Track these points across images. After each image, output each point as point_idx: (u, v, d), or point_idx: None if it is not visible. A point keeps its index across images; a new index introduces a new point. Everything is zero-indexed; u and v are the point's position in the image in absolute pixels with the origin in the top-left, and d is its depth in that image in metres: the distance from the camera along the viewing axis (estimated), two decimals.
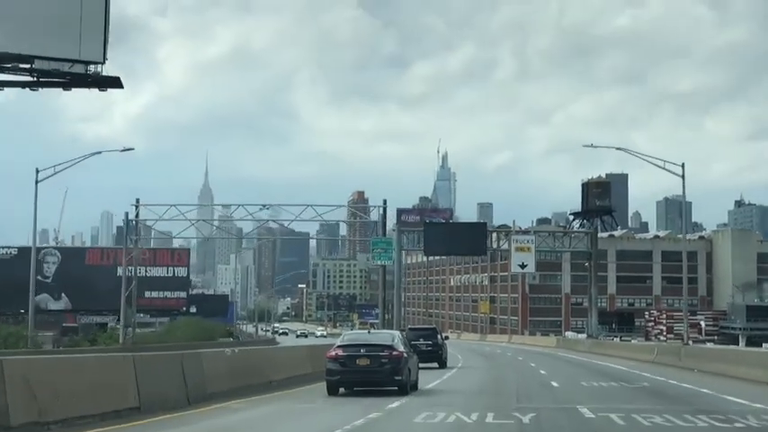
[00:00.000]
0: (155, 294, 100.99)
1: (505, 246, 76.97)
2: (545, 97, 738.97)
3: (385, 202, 64.49)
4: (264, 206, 63.24)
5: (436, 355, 42.95)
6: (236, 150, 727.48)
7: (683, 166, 48.40)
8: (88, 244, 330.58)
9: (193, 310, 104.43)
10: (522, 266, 75.79)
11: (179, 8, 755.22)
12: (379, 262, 63.85)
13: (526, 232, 76.28)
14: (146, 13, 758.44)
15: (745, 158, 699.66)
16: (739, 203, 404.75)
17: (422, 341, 41.89)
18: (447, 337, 50.52)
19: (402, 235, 78.19)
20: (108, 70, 25.11)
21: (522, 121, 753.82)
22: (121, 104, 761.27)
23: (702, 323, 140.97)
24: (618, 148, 48.85)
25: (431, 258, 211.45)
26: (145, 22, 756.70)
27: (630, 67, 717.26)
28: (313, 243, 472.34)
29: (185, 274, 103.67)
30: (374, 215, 65.33)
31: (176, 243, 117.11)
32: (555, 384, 31.95)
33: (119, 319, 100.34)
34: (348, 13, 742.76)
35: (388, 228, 77.70)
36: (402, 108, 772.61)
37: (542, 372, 41.87)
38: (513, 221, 77.20)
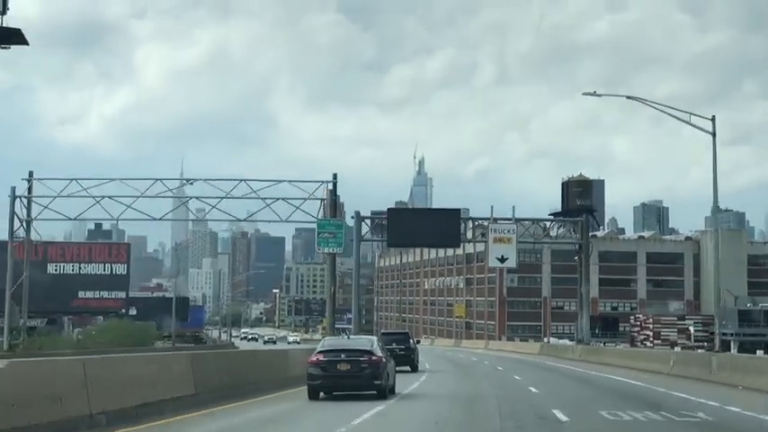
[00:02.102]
0: (89, 294, 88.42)
1: (483, 238, 64.82)
2: (524, 102, 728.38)
3: (335, 176, 51.68)
4: (188, 181, 51.00)
5: (409, 359, 43.38)
6: (213, 154, 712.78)
7: (713, 119, 36.32)
8: None
9: (133, 312, 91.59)
10: (502, 260, 63.66)
11: (158, 11, 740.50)
12: (325, 249, 51.07)
13: (507, 220, 64.10)
14: (125, 15, 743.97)
15: (722, 164, 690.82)
16: (717, 209, 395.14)
17: (395, 345, 41.34)
18: (419, 342, 52.46)
19: (363, 224, 65.91)
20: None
21: (500, 126, 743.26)
22: (98, 107, 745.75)
23: (691, 328, 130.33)
24: (629, 97, 36.94)
25: (404, 261, 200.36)
26: (123, 25, 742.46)
27: (610, 72, 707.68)
28: (289, 248, 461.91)
29: (125, 272, 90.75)
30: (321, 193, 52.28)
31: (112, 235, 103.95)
32: (560, 416, 19.86)
33: (48, 321, 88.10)
34: (327, 17, 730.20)
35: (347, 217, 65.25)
36: (380, 113, 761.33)
37: (533, 390, 29.81)
38: (492, 208, 64.71)
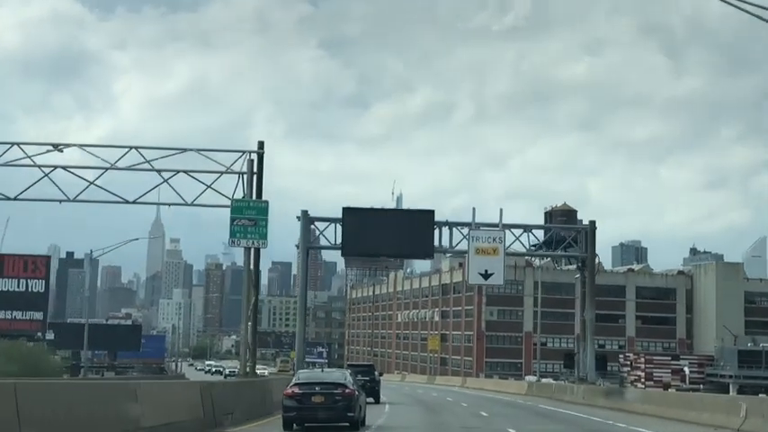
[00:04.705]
0: (0, 314, 73.27)
1: (462, 246, 50.24)
2: (503, 141, 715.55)
3: (261, 145, 36.12)
4: (56, 147, 36.33)
5: (373, 391, 43.36)
6: (189, 185, 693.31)
7: None
8: None
9: (50, 336, 76.38)
10: (486, 276, 49.35)
11: (138, 43, 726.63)
12: (242, 242, 35.81)
13: (493, 227, 49.80)
14: (105, 46, 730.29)
15: (699, 208, 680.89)
16: (694, 251, 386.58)
17: (360, 377, 38.38)
18: (381, 374, 55.13)
19: (313, 228, 51.56)
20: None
21: (478, 165, 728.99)
22: (75, 136, 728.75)
23: (686, 369, 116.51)
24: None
25: (377, 292, 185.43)
26: (104, 56, 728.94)
27: (587, 114, 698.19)
28: (265, 281, 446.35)
29: (42, 289, 75.35)
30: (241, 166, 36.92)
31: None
32: None
33: None
34: (308, 53, 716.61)
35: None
36: (359, 148, 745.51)
37: None
38: (474, 210, 50.46)
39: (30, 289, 74.00)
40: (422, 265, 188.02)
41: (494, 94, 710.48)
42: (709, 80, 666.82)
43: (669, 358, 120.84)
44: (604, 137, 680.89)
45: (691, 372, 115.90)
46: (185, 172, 36.54)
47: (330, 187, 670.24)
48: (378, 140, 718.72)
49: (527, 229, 52.03)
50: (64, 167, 36.86)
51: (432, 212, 49.66)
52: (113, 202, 37.23)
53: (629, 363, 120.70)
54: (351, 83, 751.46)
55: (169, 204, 36.94)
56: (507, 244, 50.70)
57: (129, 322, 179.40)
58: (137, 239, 66.09)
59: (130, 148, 36.98)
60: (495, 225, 50.20)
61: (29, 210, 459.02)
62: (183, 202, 36.63)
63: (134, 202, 37.22)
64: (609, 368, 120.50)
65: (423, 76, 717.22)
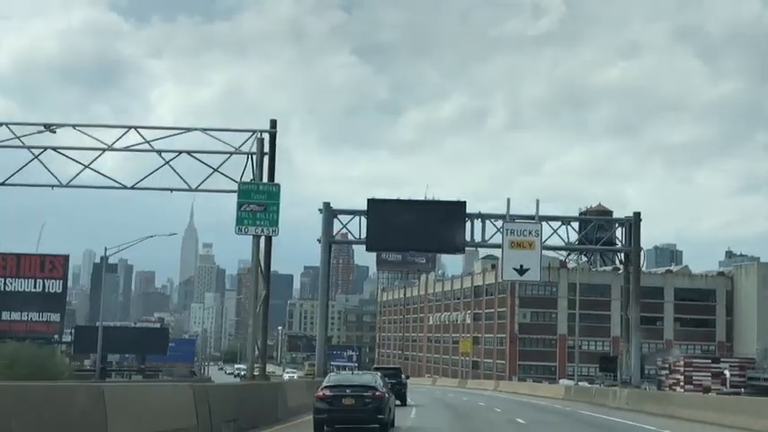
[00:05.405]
0: (16, 316, 70.23)
1: (496, 239, 46.50)
2: (536, 147, 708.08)
3: (273, 123, 32.81)
4: (47, 127, 32.95)
5: (400, 394, 43.57)
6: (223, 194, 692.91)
7: None
8: (69, 281, 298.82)
9: (68, 338, 73.25)
10: (521, 271, 45.58)
11: (174, 51, 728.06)
12: (251, 230, 31.73)
13: (528, 219, 46.04)
14: (141, 55, 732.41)
15: (734, 212, 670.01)
16: (730, 254, 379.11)
17: (387, 380, 34.43)
18: (408, 377, 54.69)
19: (345, 232, 47.96)
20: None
21: (512, 171, 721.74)
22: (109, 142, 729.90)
23: (727, 372, 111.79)
24: None
25: (408, 295, 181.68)
26: (140, 65, 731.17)
27: (622, 119, 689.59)
28: (297, 285, 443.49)
29: (60, 289, 72.19)
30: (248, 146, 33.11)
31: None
32: None
33: None
34: (341, 59, 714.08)
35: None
36: (392, 154, 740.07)
37: None
38: (508, 200, 46.68)
39: (47, 289, 71.00)
40: (453, 268, 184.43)
41: (528, 100, 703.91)
42: (746, 85, 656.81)
43: (709, 361, 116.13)
44: (639, 141, 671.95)
45: (732, 375, 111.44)
46: (188, 152, 33.13)
47: (363, 192, 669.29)
48: (411, 147, 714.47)
49: (564, 221, 48.09)
50: (54, 149, 33.54)
51: (463, 204, 46.01)
52: (110, 188, 33.99)
53: (667, 366, 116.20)
54: (384, 89, 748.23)
55: (171, 190, 33.61)
56: (543, 238, 47.21)
57: (157, 326, 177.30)
58: (152, 236, 62.70)
59: (129, 127, 33.73)
60: (531, 218, 46.41)
61: (64, 214, 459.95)
62: (186, 187, 33.25)
63: (132, 188, 33.88)
64: (646, 371, 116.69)
65: (456, 82, 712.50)
